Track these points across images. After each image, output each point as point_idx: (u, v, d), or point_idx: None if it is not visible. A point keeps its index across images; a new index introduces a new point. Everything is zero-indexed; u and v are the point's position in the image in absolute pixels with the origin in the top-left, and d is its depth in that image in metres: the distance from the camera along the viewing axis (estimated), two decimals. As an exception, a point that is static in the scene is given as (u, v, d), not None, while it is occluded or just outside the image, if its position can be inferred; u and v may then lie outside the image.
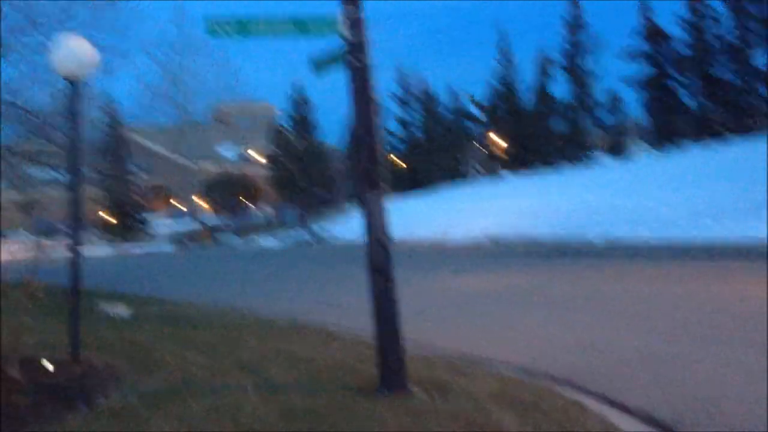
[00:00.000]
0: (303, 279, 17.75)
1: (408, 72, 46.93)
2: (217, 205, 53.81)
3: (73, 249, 6.43)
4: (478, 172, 42.76)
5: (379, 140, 5.92)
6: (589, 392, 5.93)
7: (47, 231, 59.56)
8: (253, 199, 54.11)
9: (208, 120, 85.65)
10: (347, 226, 33.10)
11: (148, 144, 74.23)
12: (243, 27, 5.56)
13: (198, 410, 4.87)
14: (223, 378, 5.96)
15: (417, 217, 30.92)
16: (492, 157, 42.05)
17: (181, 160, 69.65)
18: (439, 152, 42.93)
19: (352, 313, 11.63)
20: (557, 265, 15.61)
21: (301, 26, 5.70)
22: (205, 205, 59.54)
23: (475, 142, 43.75)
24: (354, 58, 5.75)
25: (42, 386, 5.12)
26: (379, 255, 5.88)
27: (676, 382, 5.88)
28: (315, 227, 31.96)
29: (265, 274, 20.67)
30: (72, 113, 6.10)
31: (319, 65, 6.19)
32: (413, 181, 44.02)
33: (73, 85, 5.90)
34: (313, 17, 5.74)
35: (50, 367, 5.58)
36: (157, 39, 54.29)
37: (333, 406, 5.13)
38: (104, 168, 45.09)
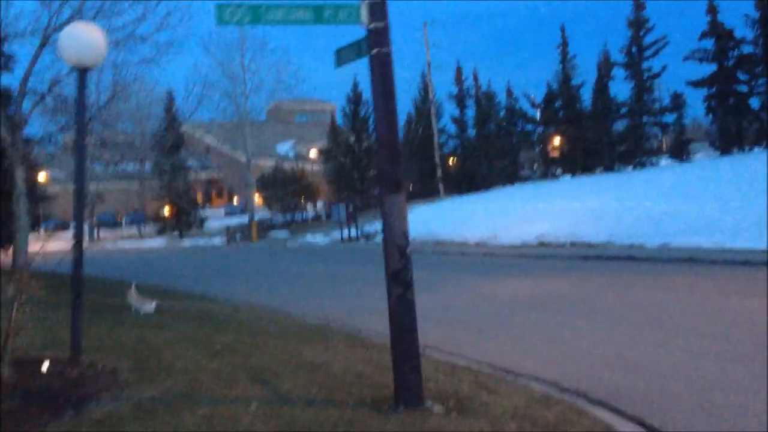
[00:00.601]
0: (344, 278, 17.40)
1: (467, 72, 46.46)
2: (271, 201, 53.97)
3: (76, 245, 6.13)
4: (536, 173, 41.85)
5: (397, 138, 5.49)
6: (624, 415, 5.43)
7: (107, 223, 61.05)
8: (307, 195, 54.11)
9: (267, 117, 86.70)
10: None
11: (207, 139, 75.20)
12: (256, 13, 5.19)
13: (190, 422, 4.53)
14: (231, 386, 5.62)
15: (469, 218, 30.43)
16: (550, 158, 41.08)
17: (239, 156, 70.24)
18: (496, 153, 42.16)
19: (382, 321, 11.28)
20: (608, 272, 14.89)
21: (318, 13, 5.31)
22: (259, 201, 59.90)
23: (532, 144, 42.85)
24: (375, 47, 5.35)
25: (32, 390, 4.84)
26: (397, 261, 5.47)
27: (727, 411, 5.30)
28: (364, 224, 31.60)
29: (306, 272, 20.38)
30: (78, 102, 5.84)
31: (341, 55, 5.81)
32: (469, 182, 43.40)
33: (80, 73, 5.64)
34: (332, 4, 5.35)
35: (44, 368, 5.31)
36: (216, 37, 55.01)
37: (339, 422, 4.74)
38: (162, 162, 45.72)
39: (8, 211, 14.40)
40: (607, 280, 13.49)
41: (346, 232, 30.99)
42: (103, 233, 57.21)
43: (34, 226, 61.51)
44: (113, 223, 60.48)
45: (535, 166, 42.95)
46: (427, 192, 44.35)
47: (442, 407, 5.33)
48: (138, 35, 15.71)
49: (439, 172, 44.71)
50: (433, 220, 32.11)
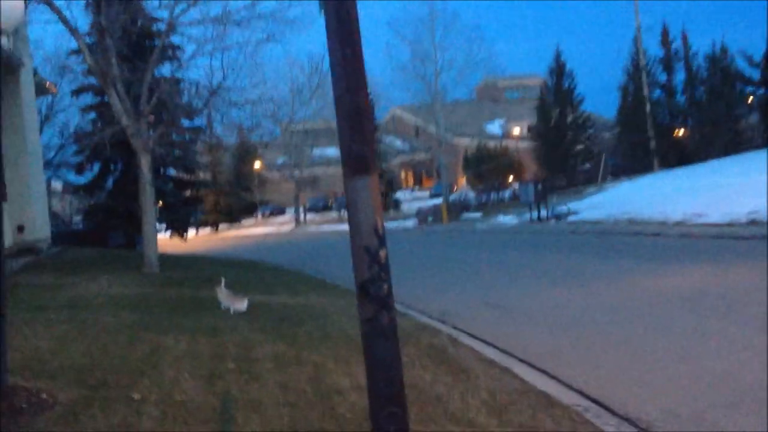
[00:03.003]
0: (501, 266, 15.76)
1: (674, 32, 41.77)
2: (473, 181, 52.79)
3: None
4: (756, 141, 36.73)
5: (364, 102, 4.02)
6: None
7: (318, 208, 63.21)
8: (510, 174, 52.24)
9: (477, 95, 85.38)
10: (596, 204, 30.15)
11: (412, 119, 75.41)
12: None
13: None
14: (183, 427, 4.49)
15: (675, 194, 27.24)
16: (773, 124, 35.87)
17: (446, 136, 69.67)
18: (710, 121, 37.55)
19: (509, 318, 9.68)
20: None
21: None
22: (463, 182, 58.92)
23: (751, 108, 37.65)
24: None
25: None
26: (365, 268, 4.02)
27: None
28: (556, 204, 29.37)
29: (465, 260, 18.90)
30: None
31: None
32: (680, 153, 39.20)
33: None
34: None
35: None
36: (404, 16, 54.40)
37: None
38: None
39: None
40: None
41: (536, 212, 28.97)
42: (313, 217, 59.16)
43: (252, 211, 65.87)
44: (323, 207, 62.41)
45: (757, 133, 37.58)
46: (638, 167, 40.75)
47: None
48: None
49: (653, 144, 40.88)
50: (635, 196, 29.23)
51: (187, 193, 26.87)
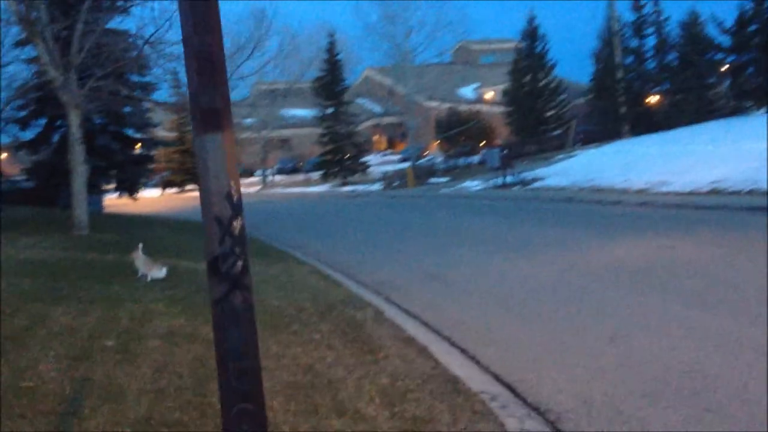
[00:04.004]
0: (453, 233, 15.23)
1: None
2: (444, 146, 52.15)
3: None
4: (725, 110, 36.29)
5: (218, 41, 3.40)
6: None
7: (287, 170, 62.29)
8: (485, 139, 51.68)
9: (452, 58, 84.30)
10: (562, 171, 29.70)
11: (385, 81, 74.38)
12: None
13: None
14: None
15: (640, 162, 26.87)
16: (743, 92, 35.36)
17: (418, 99, 68.81)
18: (679, 88, 37.04)
19: (447, 290, 9.18)
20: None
21: None
22: (433, 146, 58.27)
23: (722, 76, 37.17)
24: None
25: None
26: (216, 242, 3.44)
27: None
28: (521, 170, 28.90)
29: (421, 223, 18.36)
30: None
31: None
32: (650, 120, 38.69)
33: None
34: None
35: None
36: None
37: None
38: (326, 106, 45.15)
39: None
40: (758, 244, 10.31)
41: (500, 178, 28.46)
42: (281, 179, 58.29)
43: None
44: (292, 169, 61.44)
45: (725, 101, 37.06)
46: (609, 134, 40.25)
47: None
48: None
49: (622, 111, 40.39)
50: (602, 164, 28.81)
51: (137, 152, 25.97)
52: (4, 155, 35.21)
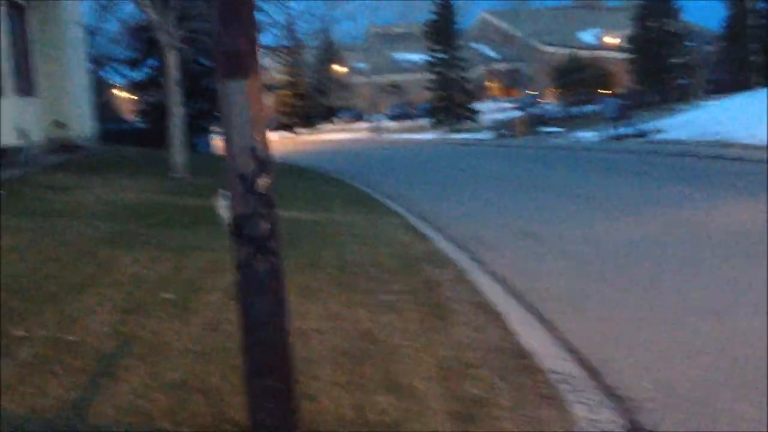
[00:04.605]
0: (556, 187, 14.47)
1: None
2: (561, 93, 50.29)
3: None
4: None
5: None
6: None
7: (398, 115, 61.84)
8: (603, 87, 49.46)
9: (572, 2, 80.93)
10: (684, 123, 27.93)
11: (501, 26, 72.25)
12: None
13: None
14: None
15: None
16: None
17: (534, 44, 66.51)
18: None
19: (540, 249, 8.62)
20: None
21: None
22: (549, 93, 56.36)
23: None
24: None
25: None
26: (240, 200, 3.12)
27: None
28: (640, 121, 27.34)
29: (524, 176, 17.58)
30: None
31: None
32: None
33: None
34: None
35: None
36: None
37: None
38: (436, 50, 44.15)
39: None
40: None
41: (618, 129, 27.01)
42: (392, 125, 57.94)
43: (328, 116, 65.05)
44: (404, 115, 60.81)
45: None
46: (736, 84, 37.56)
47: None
48: None
49: (752, 59, 37.53)
50: (725, 116, 26.86)
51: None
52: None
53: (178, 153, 13.53)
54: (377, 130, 52.50)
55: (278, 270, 3.13)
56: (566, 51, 56.13)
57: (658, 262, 7.37)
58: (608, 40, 64.79)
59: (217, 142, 29.17)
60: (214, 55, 3.06)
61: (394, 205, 12.92)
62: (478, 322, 5.35)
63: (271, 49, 21.60)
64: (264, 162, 3.06)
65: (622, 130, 26.70)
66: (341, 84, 63.39)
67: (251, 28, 3.04)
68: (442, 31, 44.03)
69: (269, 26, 18.93)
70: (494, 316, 5.59)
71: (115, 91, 29.64)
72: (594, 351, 4.89)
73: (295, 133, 59.92)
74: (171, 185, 12.19)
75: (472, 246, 8.97)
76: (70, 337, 4.25)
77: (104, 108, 24.34)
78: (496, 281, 7.13)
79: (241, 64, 2.99)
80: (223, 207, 8.85)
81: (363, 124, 60.10)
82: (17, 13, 12.25)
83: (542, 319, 5.75)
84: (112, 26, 27.76)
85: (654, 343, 4.96)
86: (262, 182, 3.07)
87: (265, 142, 3.07)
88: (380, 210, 11.97)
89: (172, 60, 13.26)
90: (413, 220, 11.02)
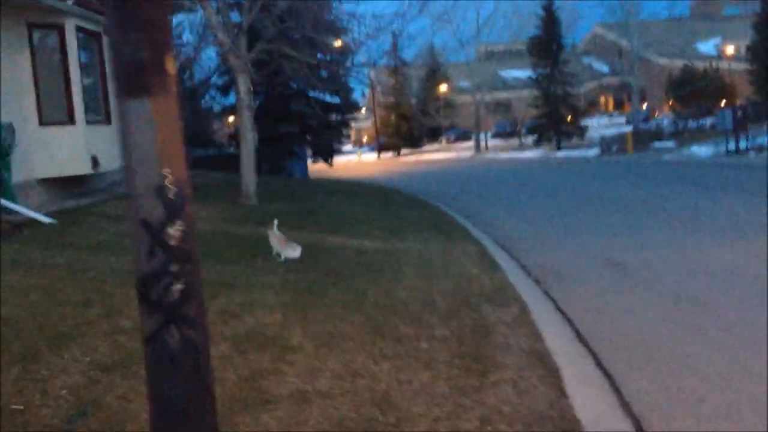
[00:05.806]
0: (658, 208, 13.14)
1: None
2: (676, 106, 47.64)
3: None
4: None
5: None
6: None
7: (503, 133, 60.45)
8: (722, 99, 46.54)
9: (690, 13, 77.39)
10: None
11: (613, 38, 69.73)
12: None
13: None
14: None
15: None
16: None
17: (646, 56, 63.72)
18: None
19: (625, 283, 7.56)
20: None
21: None
22: (663, 107, 53.62)
23: None
24: None
25: None
26: (144, 256, 2.40)
27: None
28: (760, 134, 25.15)
29: (623, 196, 16.21)
30: None
31: None
32: None
33: None
34: None
35: None
36: None
37: None
38: (540, 66, 42.71)
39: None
40: None
41: (735, 143, 24.94)
42: (496, 143, 56.58)
43: (434, 135, 64.25)
44: (510, 133, 59.26)
45: None
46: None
47: None
48: None
49: None
50: None
51: (332, 117, 25.77)
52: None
53: (248, 179, 13.14)
54: (479, 148, 51.38)
55: (197, 345, 2.42)
56: (680, 62, 53.21)
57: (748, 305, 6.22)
58: (727, 49, 61.36)
59: (314, 166, 29.17)
60: (113, 68, 2.41)
61: (475, 230, 12.07)
62: (525, 380, 4.49)
63: (331, 67, 21.10)
64: (176, 204, 2.35)
65: (738, 144, 24.64)
66: (447, 103, 62.56)
67: (161, 34, 2.37)
68: (547, 46, 42.57)
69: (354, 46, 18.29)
70: (549, 371, 4.70)
71: (212, 118, 30.14)
72: (658, 415, 3.94)
73: (397, 153, 59.54)
74: (238, 213, 11.74)
75: (545, 277, 8.06)
76: (17, 406, 3.69)
77: (196, 135, 24.53)
78: (563, 321, 6.21)
79: (145, 79, 2.32)
80: (274, 238, 8.18)
81: (467, 143, 59.07)
82: (93, 40, 12.20)
83: (607, 375, 4.81)
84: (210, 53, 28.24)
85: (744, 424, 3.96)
86: (175, 231, 2.35)
87: (181, 178, 2.37)
88: (458, 235, 11.14)
89: (242, 83, 12.91)
90: (491, 247, 10.15)
